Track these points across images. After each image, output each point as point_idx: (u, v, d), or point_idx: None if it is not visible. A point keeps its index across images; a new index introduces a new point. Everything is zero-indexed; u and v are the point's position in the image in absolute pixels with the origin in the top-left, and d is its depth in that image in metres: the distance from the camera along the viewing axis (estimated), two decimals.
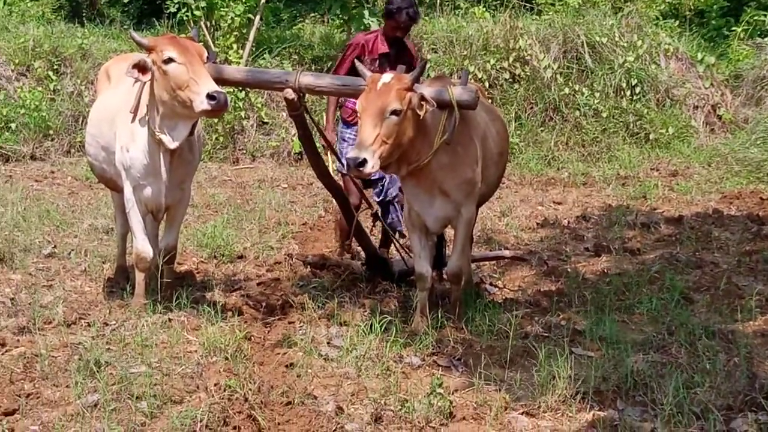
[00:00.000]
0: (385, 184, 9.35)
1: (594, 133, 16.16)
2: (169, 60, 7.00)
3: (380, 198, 9.48)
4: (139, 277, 7.68)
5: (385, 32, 9.29)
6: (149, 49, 7.14)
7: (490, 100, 15.18)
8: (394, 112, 6.68)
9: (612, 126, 16.30)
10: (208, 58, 7.22)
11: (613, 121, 16.35)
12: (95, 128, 7.98)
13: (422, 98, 6.80)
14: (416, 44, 17.40)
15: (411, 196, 7.37)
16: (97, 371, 6.09)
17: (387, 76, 6.89)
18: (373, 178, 9.08)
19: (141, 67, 7.08)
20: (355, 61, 7.57)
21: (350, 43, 9.56)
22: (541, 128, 16.31)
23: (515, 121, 16.20)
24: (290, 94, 7.42)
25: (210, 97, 6.77)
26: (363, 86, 7.04)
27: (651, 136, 16.24)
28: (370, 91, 6.82)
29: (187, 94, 6.92)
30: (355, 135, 8.84)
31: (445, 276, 8.28)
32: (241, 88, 15.52)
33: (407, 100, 6.75)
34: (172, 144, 7.23)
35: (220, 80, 7.44)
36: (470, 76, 16.01)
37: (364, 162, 6.52)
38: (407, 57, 9.15)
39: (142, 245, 7.60)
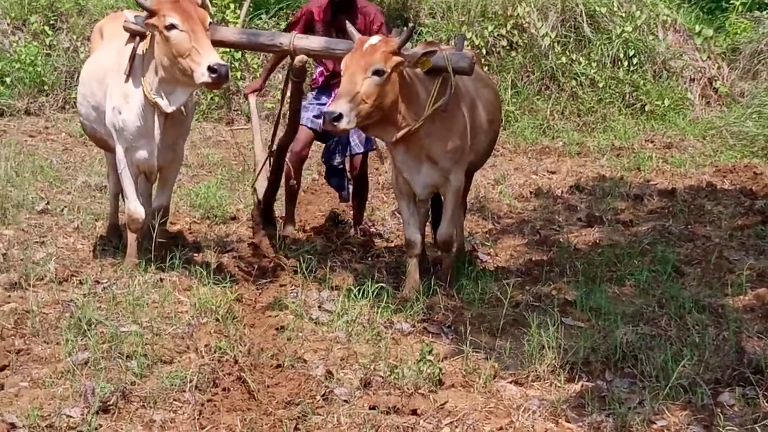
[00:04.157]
0: (331, 146, 9.19)
1: (590, 103, 16.10)
2: (171, 26, 6.94)
3: (323, 159, 9.43)
4: (131, 238, 7.68)
5: None
6: (151, 12, 7.05)
7: (486, 68, 15.21)
8: (377, 72, 6.67)
9: (608, 96, 16.24)
10: (210, 24, 7.16)
11: (609, 92, 16.29)
12: (86, 87, 7.93)
13: (426, 54, 6.83)
14: (413, 9, 17.37)
15: (399, 162, 7.34)
16: (88, 329, 6.12)
17: (375, 38, 6.90)
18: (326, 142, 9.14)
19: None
20: (347, 23, 7.37)
21: (301, 9, 9.15)
22: (537, 97, 16.25)
23: (511, 89, 16.13)
24: (302, 60, 7.40)
25: (211, 69, 6.74)
26: None
27: (647, 108, 16.19)
28: (356, 51, 6.83)
29: (188, 62, 6.88)
30: (317, 102, 8.90)
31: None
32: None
33: (392, 63, 6.73)
34: (168, 108, 7.21)
35: (215, 42, 7.39)
36: (467, 43, 16.05)
37: (339, 117, 6.53)
38: (359, 24, 8.50)
39: (133, 206, 7.60)
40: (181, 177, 10.71)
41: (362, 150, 9.12)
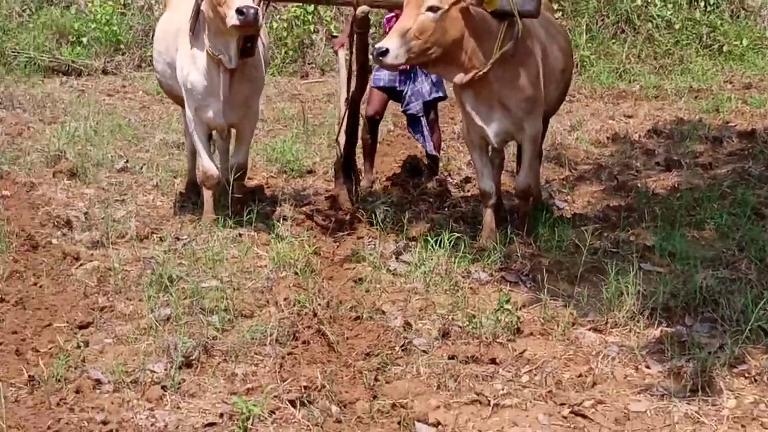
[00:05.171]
0: (407, 97, 9.18)
1: (666, 46, 15.92)
2: None
3: (403, 109, 9.42)
4: (207, 195, 7.76)
5: None
6: None
7: (560, 12, 15.07)
8: (430, 8, 6.58)
9: (685, 38, 16.04)
10: None
11: (686, 33, 16.09)
12: (161, 44, 8.01)
13: None
14: None
15: (470, 108, 7.24)
16: (169, 285, 6.20)
17: None
18: (399, 89, 9.10)
19: None
20: None
21: None
22: (613, 40, 16.09)
23: (586, 33, 15.99)
24: (364, 10, 7.37)
25: (239, 11, 6.69)
26: None
27: (725, 48, 15.97)
28: None
29: (224, 9, 6.84)
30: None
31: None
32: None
33: (451, 0, 6.65)
34: (230, 64, 7.22)
35: None
36: None
37: (386, 52, 6.51)
38: None
39: (207, 164, 7.69)
40: (257, 132, 10.76)
41: (435, 96, 9.17)
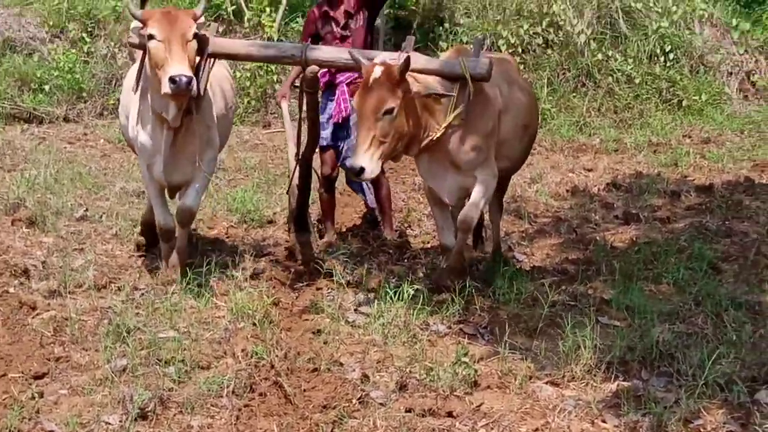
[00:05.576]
0: (343, 152, 8.95)
1: (627, 100, 16.07)
2: (151, 36, 6.83)
3: (340, 164, 9.08)
4: (165, 248, 7.67)
5: None
6: (142, 22, 6.96)
7: (522, 66, 15.17)
8: (387, 112, 6.55)
9: (645, 92, 16.20)
10: (196, 34, 6.96)
11: (646, 87, 16.25)
12: (124, 97, 7.99)
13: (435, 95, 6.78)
14: (449, 8, 17.36)
15: (424, 171, 7.30)
16: (127, 336, 6.18)
17: (377, 71, 6.65)
18: (339, 145, 9.02)
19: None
20: (351, 52, 7.21)
21: (306, 18, 9.29)
22: (574, 94, 16.22)
23: (547, 87, 16.12)
24: (313, 70, 7.34)
25: (171, 80, 6.60)
26: (370, 59, 6.97)
27: (684, 103, 16.14)
28: (362, 89, 6.67)
29: (160, 74, 6.75)
30: (327, 115, 8.85)
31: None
32: None
33: (400, 95, 6.60)
34: (172, 122, 7.09)
35: (223, 54, 7.39)
36: (503, 42, 16.06)
37: (362, 170, 6.50)
38: (348, 6, 8.85)
39: (161, 217, 7.58)
40: (218, 181, 10.79)
41: None
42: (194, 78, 6.79)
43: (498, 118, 7.30)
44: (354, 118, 8.63)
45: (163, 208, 7.62)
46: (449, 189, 7.26)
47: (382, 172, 8.95)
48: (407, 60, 6.65)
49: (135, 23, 7.18)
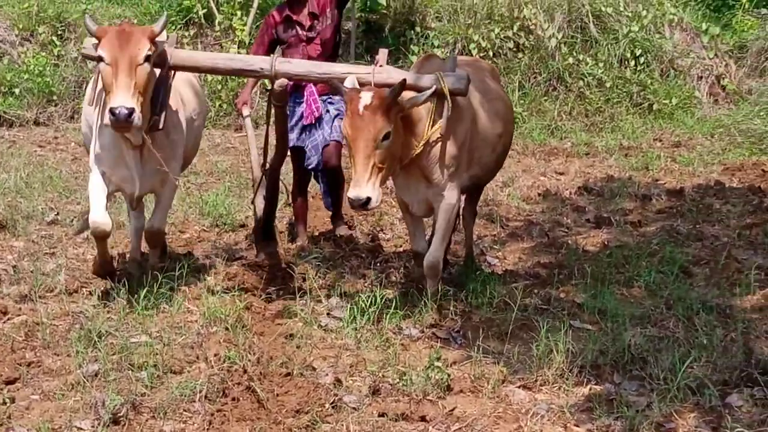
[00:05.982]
0: (307, 151, 8.94)
1: (597, 103, 16.13)
2: (100, 58, 6.58)
3: (305, 164, 9.06)
4: (99, 248, 7.28)
5: None
6: (97, 39, 6.66)
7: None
8: (385, 137, 6.47)
9: (615, 96, 16.26)
10: (148, 55, 6.62)
11: (616, 91, 16.32)
12: (86, 107, 7.77)
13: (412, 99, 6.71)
14: (420, 12, 17.35)
15: (400, 186, 7.27)
16: (98, 340, 6.16)
17: (366, 97, 6.50)
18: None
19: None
20: (324, 72, 7.16)
21: (264, 23, 9.19)
22: (545, 98, 16.27)
23: (519, 91, 16.15)
24: (282, 84, 7.28)
25: (111, 111, 6.36)
26: (343, 74, 6.91)
27: (654, 107, 16.22)
28: (354, 116, 6.51)
29: (107, 99, 6.52)
30: (296, 117, 8.81)
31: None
32: None
33: (393, 118, 6.53)
34: (135, 141, 6.87)
35: (188, 67, 7.26)
36: (474, 46, 16.08)
37: (367, 201, 6.42)
38: (312, 8, 8.79)
39: (95, 214, 7.02)
40: (189, 185, 10.76)
41: (333, 139, 8.88)
42: (136, 109, 6.42)
43: (471, 127, 7.25)
44: (327, 118, 8.65)
45: (99, 203, 7.05)
46: (419, 201, 7.22)
47: (341, 170, 8.95)
48: (402, 83, 6.57)
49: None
